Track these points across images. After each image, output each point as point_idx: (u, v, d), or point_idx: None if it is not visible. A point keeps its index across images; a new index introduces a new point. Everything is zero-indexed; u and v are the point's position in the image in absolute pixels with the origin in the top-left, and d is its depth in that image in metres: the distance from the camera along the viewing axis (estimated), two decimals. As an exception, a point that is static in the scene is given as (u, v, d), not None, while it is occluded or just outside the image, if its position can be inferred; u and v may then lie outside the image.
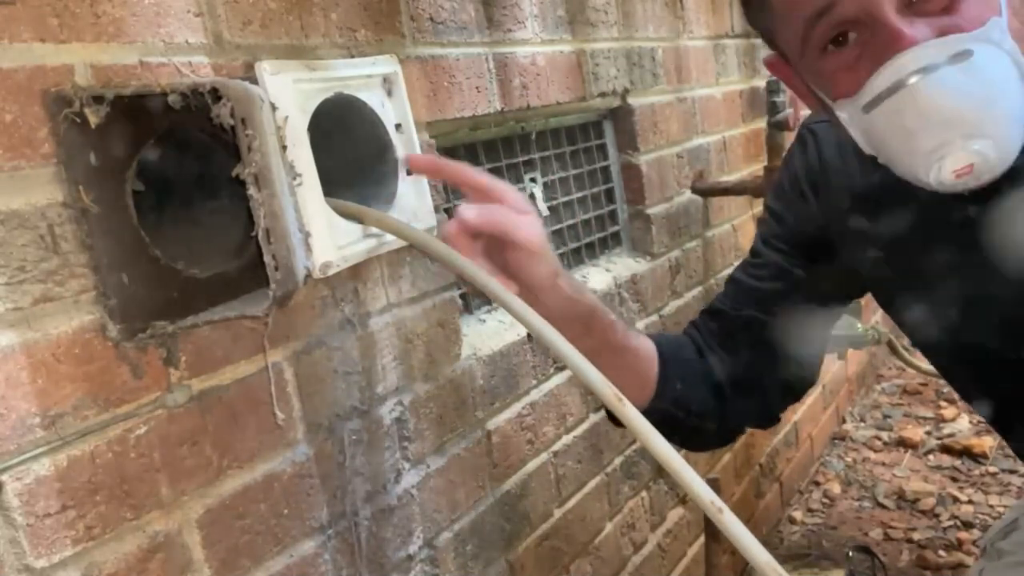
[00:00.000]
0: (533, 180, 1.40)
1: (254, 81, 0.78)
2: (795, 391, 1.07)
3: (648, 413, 0.88)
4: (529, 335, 1.28)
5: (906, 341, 3.25)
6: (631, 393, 0.89)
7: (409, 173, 0.88)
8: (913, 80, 0.70)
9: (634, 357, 0.93)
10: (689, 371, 0.97)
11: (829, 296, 1.04)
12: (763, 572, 0.64)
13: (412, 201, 0.97)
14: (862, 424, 2.89)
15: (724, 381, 0.99)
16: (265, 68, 0.79)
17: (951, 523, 2.25)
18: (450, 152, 1.21)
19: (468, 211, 0.76)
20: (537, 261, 0.80)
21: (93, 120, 0.66)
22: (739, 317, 1.02)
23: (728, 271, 2.02)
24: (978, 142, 0.71)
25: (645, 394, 0.94)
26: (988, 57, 0.70)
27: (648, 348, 0.95)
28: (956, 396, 2.92)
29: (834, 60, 0.76)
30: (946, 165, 0.72)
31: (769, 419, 1.09)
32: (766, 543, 2.17)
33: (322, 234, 0.82)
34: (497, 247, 0.79)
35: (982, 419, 1.15)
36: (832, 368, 2.74)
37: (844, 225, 0.96)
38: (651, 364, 0.95)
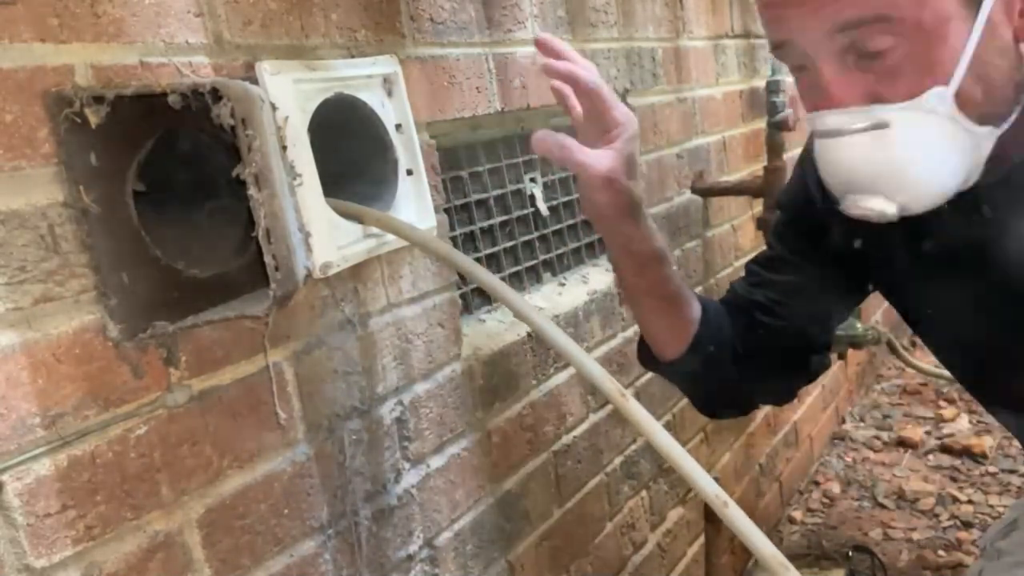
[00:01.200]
0: (533, 180, 1.40)
1: (254, 81, 0.78)
2: (810, 372, 1.09)
3: (675, 364, 0.97)
4: (529, 333, 1.28)
5: (906, 341, 3.26)
6: (666, 337, 0.98)
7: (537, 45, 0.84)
8: (824, 140, 0.78)
9: (677, 311, 0.96)
10: (722, 338, 1.00)
11: (840, 289, 1.05)
12: (768, 564, 0.65)
13: (412, 201, 0.97)
14: (862, 424, 2.89)
15: (743, 355, 1.01)
16: (265, 68, 0.79)
17: (951, 523, 2.25)
18: (450, 152, 1.21)
19: (537, 135, 0.78)
20: (600, 192, 0.82)
21: (93, 120, 0.66)
22: (754, 302, 1.04)
23: (728, 271, 2.03)
24: (875, 200, 0.76)
25: (680, 346, 0.97)
26: (908, 127, 0.73)
27: (694, 307, 0.98)
28: (956, 396, 2.94)
29: (799, 82, 0.82)
30: (848, 206, 0.79)
31: (787, 396, 1.12)
32: (766, 543, 2.18)
33: (322, 234, 0.82)
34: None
35: (1005, 427, 1.15)
36: (832, 368, 2.74)
37: (849, 227, 0.97)
38: (692, 322, 0.97)
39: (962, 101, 0.72)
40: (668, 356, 0.98)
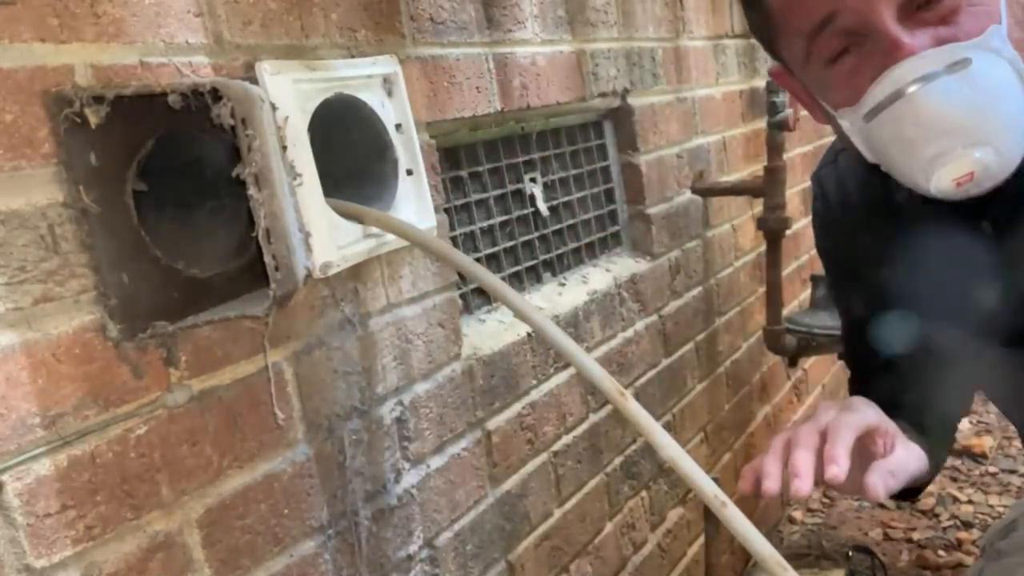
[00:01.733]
0: (533, 180, 1.40)
1: (254, 81, 0.78)
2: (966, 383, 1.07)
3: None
4: (529, 333, 1.28)
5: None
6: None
7: None
8: (912, 89, 0.71)
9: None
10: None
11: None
12: (766, 564, 0.65)
13: (412, 201, 0.97)
14: (862, 424, 2.88)
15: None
16: (265, 68, 0.79)
17: (951, 523, 2.25)
18: (450, 152, 1.21)
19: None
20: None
21: (93, 120, 0.66)
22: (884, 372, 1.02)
23: (728, 271, 2.03)
24: (978, 150, 0.71)
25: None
26: (987, 65, 0.70)
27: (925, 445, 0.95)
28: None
29: (836, 70, 0.76)
30: (945, 173, 0.73)
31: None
32: (766, 543, 2.18)
33: (322, 234, 0.82)
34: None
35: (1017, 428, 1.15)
36: (832, 368, 2.74)
37: (867, 253, 0.97)
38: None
39: (1014, 43, 0.72)
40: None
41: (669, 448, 0.69)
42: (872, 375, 1.04)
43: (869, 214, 0.96)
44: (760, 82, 2.18)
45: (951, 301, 0.90)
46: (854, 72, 0.75)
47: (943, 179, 0.73)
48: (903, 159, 0.76)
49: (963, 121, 0.71)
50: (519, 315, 0.78)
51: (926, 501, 2.34)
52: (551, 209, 1.44)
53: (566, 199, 1.49)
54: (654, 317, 1.67)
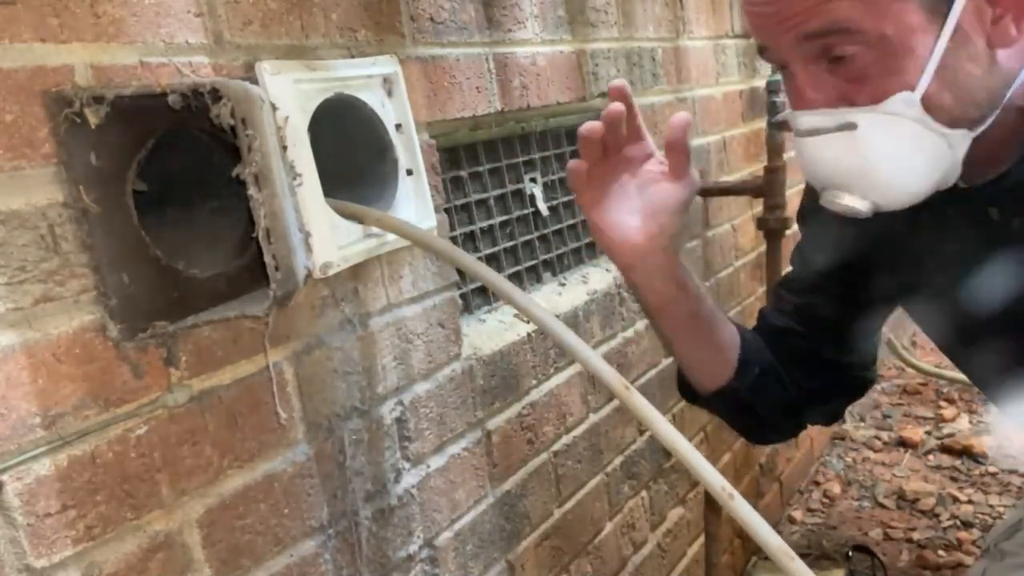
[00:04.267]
0: (533, 180, 1.40)
1: (254, 81, 0.78)
2: (857, 390, 1.10)
3: (724, 393, 0.97)
4: (530, 334, 1.28)
5: (906, 340, 3.26)
6: (709, 367, 0.97)
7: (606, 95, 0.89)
8: (802, 139, 0.81)
9: (715, 337, 0.96)
10: (765, 362, 1.00)
11: (869, 300, 1.05)
12: (775, 555, 0.65)
13: (412, 201, 0.97)
14: (862, 424, 2.89)
15: (789, 379, 1.01)
16: (265, 68, 0.79)
17: (951, 523, 2.25)
18: (450, 152, 1.21)
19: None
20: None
21: (93, 120, 0.66)
22: (787, 328, 1.04)
23: (728, 271, 2.03)
24: (846, 197, 0.80)
25: (724, 373, 0.96)
26: (874, 131, 0.76)
27: (732, 332, 0.98)
28: (955, 396, 2.94)
29: (784, 81, 0.84)
30: (823, 200, 0.82)
31: (833, 418, 1.13)
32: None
33: (322, 234, 0.82)
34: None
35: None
36: (832, 368, 2.74)
37: (866, 234, 0.97)
38: (732, 347, 0.97)
39: (931, 105, 0.74)
40: (713, 386, 0.97)
41: (675, 441, 0.69)
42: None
43: None
44: (760, 82, 2.18)
45: (952, 285, 0.90)
46: (788, 92, 0.83)
47: (827, 204, 0.82)
48: (804, 175, 0.86)
49: (835, 174, 0.80)
50: (522, 311, 0.78)
51: (926, 501, 2.34)
52: (551, 209, 1.44)
53: (566, 199, 1.49)
54: (654, 317, 1.66)
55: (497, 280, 0.81)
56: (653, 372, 1.65)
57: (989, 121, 0.77)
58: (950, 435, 2.67)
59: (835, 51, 0.74)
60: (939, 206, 0.84)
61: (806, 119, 0.79)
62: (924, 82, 0.73)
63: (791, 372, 1.01)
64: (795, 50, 0.77)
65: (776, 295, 1.10)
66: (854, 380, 1.08)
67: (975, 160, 0.78)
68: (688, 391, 1.02)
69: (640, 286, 0.89)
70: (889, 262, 0.99)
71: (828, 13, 0.72)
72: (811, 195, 1.04)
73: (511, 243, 1.35)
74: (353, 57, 0.94)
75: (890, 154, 0.76)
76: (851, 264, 1.00)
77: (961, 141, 0.76)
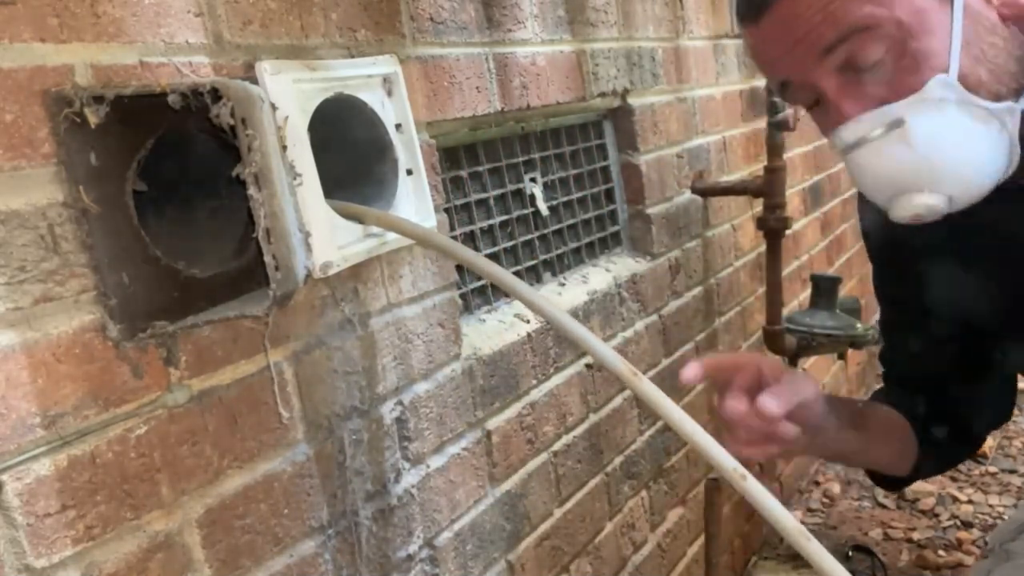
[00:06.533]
0: (533, 180, 1.40)
1: (254, 81, 0.78)
2: (998, 421, 1.10)
3: (922, 467, 1.02)
4: (529, 334, 1.28)
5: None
6: (894, 459, 1.01)
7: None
8: (851, 153, 0.78)
9: (887, 434, 0.98)
10: (930, 419, 1.01)
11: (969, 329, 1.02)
12: (790, 536, 0.65)
13: (412, 201, 0.97)
14: (862, 424, 2.88)
15: (936, 432, 1.02)
16: (265, 68, 0.79)
17: (951, 523, 2.25)
18: (450, 152, 1.21)
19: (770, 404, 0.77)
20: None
21: (93, 120, 0.66)
22: (922, 384, 1.03)
23: (728, 271, 2.03)
24: (917, 198, 0.76)
25: (911, 453, 1.00)
26: (923, 121, 0.73)
27: (890, 416, 1.00)
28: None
29: (813, 113, 0.82)
30: (896, 213, 0.79)
31: (977, 447, 1.13)
32: (766, 542, 2.18)
33: (322, 234, 0.82)
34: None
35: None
36: (832, 368, 2.74)
37: (919, 242, 0.97)
38: (902, 428, 1.00)
39: (969, 84, 0.73)
40: (908, 470, 1.01)
41: (685, 424, 0.70)
42: (911, 375, 1.05)
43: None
44: (760, 82, 2.18)
45: (1002, 294, 0.90)
46: (821, 120, 0.81)
47: (897, 216, 0.79)
48: (868, 194, 0.82)
49: (899, 176, 0.76)
50: (528, 304, 0.78)
51: (926, 501, 2.34)
52: (551, 209, 1.44)
53: (566, 199, 1.49)
54: (654, 317, 1.67)
55: (499, 272, 0.80)
56: (653, 372, 1.65)
57: None
58: (950, 435, 2.67)
59: (859, 58, 0.73)
60: (982, 210, 0.82)
61: (848, 130, 0.76)
62: (955, 61, 0.72)
63: (942, 419, 1.02)
64: (819, 68, 0.75)
65: (891, 345, 1.09)
66: (997, 400, 1.07)
67: None
68: (890, 483, 1.06)
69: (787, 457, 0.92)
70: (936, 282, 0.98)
71: (841, 18, 0.72)
72: (873, 224, 1.03)
73: (511, 243, 1.35)
74: (353, 57, 0.94)
75: (947, 141, 0.74)
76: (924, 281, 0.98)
77: (1010, 114, 0.74)
